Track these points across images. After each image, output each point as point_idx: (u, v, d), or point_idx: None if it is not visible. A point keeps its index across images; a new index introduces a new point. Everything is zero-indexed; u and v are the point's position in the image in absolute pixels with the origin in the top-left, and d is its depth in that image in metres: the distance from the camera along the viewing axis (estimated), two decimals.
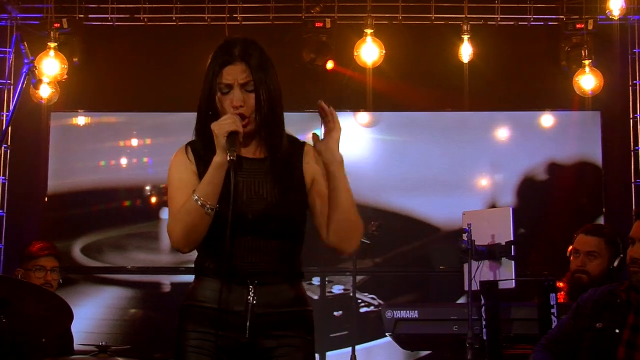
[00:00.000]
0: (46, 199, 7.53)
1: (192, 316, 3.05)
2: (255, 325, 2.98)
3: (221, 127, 2.95)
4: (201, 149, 3.10)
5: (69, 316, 4.55)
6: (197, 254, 3.12)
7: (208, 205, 2.94)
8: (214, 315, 2.99)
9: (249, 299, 2.98)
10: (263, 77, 3.06)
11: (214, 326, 2.98)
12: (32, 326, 4.39)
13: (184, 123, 7.95)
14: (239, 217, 2.96)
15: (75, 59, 7.38)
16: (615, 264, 5.01)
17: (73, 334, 5.29)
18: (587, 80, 7.37)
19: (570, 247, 5.33)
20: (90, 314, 7.26)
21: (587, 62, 7.34)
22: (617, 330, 4.27)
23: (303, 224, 3.11)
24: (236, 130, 2.95)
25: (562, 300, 5.37)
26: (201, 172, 3.04)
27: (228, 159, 2.91)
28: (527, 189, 7.42)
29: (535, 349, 4.60)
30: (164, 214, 7.56)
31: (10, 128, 7.00)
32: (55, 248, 5.37)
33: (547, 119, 7.61)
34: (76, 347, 5.25)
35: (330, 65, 7.47)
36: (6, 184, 7.33)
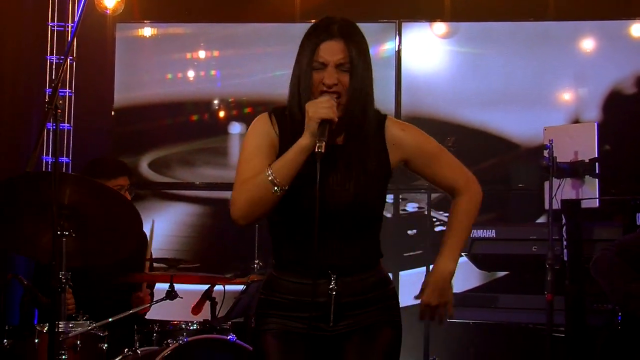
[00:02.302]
0: (112, 113, 7.63)
1: (273, 305, 3.06)
2: (339, 313, 3.01)
3: (316, 111, 2.86)
4: (289, 122, 3.02)
5: (139, 224, 4.56)
6: (273, 241, 3.11)
7: (279, 186, 2.88)
8: (296, 305, 3.01)
9: (331, 290, 2.99)
10: (360, 60, 2.95)
11: (296, 315, 3.01)
12: (104, 238, 4.43)
13: (253, 34, 8.04)
14: (320, 211, 2.90)
15: None
16: None
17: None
18: None
19: None
20: (159, 230, 7.36)
21: None
22: None
23: (381, 212, 3.10)
24: (331, 118, 2.86)
25: None
26: (283, 145, 2.98)
27: (316, 150, 2.82)
28: (614, 103, 7.28)
29: (609, 254, 4.55)
30: (233, 128, 7.61)
31: (75, 40, 7.07)
32: (128, 166, 5.42)
33: (637, 28, 7.41)
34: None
35: None
36: (72, 97, 7.42)
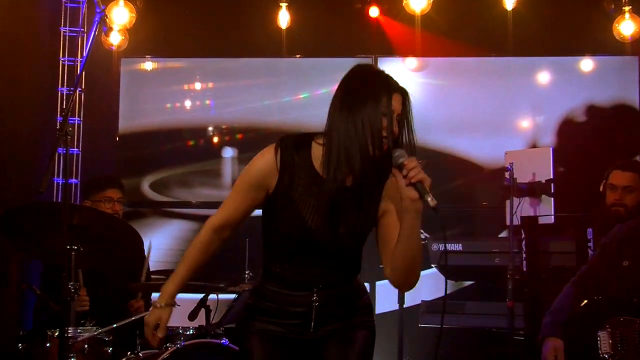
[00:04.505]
0: (117, 139, 7.61)
1: (259, 311, 3.06)
2: (319, 321, 3.00)
3: (417, 175, 2.78)
4: (301, 155, 2.94)
5: (139, 243, 4.62)
6: (264, 250, 3.09)
7: None
8: (279, 312, 3.01)
9: (313, 301, 2.98)
10: (409, 116, 2.97)
11: (279, 321, 3.01)
12: (107, 253, 4.48)
13: (244, 68, 8.07)
14: (309, 241, 2.93)
15: (138, 3, 7.37)
16: None
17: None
18: (627, 26, 7.21)
19: (603, 183, 5.26)
20: (158, 244, 7.35)
21: (627, 8, 7.19)
22: None
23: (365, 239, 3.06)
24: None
25: None
26: (283, 181, 2.92)
27: (432, 205, 2.75)
28: (567, 130, 7.32)
29: (567, 286, 4.60)
30: (226, 152, 7.61)
31: (84, 73, 7.07)
32: (120, 180, 5.42)
33: (586, 64, 7.47)
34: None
35: (374, 12, 7.40)
36: (81, 124, 7.41)
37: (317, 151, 2.95)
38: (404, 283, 2.97)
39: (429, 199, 2.76)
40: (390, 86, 2.89)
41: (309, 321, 3.00)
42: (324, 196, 2.89)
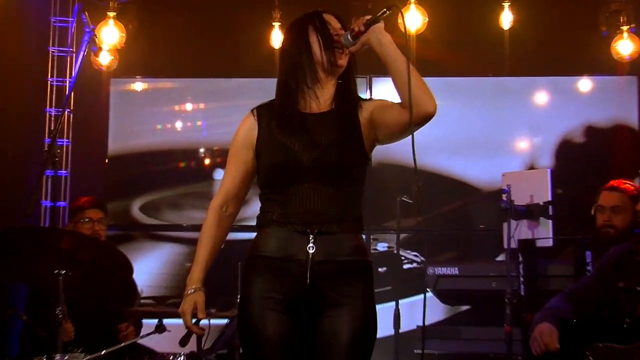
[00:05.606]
0: (107, 161, 7.62)
1: (255, 268, 3.04)
2: (316, 273, 2.96)
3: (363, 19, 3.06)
4: (274, 108, 3.17)
5: (129, 267, 4.61)
6: (259, 210, 3.12)
7: None
8: (276, 264, 2.99)
9: (309, 247, 2.96)
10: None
11: (276, 275, 2.99)
12: (95, 278, 4.47)
13: (236, 88, 8.08)
14: (296, 164, 2.97)
15: (130, 26, 7.41)
16: None
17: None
18: (625, 46, 7.26)
19: (594, 205, 5.29)
20: (149, 268, 7.35)
21: (625, 27, 7.23)
22: (638, 288, 4.24)
23: (360, 173, 3.09)
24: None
25: None
26: (263, 127, 3.13)
27: (387, 8, 3.05)
28: (565, 151, 7.35)
29: (557, 296, 4.56)
30: (217, 174, 7.61)
31: (72, 93, 7.08)
32: (101, 201, 5.43)
33: (584, 84, 7.51)
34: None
35: None
36: (70, 146, 7.41)
37: None
38: (423, 103, 3.23)
39: (384, 12, 3.07)
40: (318, 11, 3.16)
41: (305, 272, 2.95)
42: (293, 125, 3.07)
